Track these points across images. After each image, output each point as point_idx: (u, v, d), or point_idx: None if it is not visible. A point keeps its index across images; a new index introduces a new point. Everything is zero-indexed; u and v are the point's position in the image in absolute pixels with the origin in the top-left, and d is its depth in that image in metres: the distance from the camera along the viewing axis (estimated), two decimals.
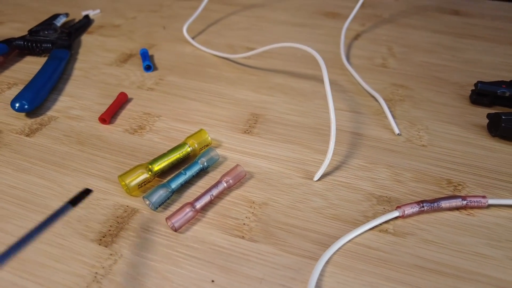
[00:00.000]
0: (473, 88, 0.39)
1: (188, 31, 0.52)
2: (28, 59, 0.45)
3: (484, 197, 0.26)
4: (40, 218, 0.25)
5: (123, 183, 0.26)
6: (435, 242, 0.24)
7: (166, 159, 0.28)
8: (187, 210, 0.24)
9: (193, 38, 0.50)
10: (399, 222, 0.25)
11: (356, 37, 0.51)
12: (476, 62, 0.45)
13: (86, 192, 0.21)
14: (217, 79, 0.41)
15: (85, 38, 0.50)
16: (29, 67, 0.43)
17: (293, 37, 0.51)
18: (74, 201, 0.20)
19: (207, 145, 0.30)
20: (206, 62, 0.44)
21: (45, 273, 0.22)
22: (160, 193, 0.25)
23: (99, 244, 0.23)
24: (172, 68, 0.43)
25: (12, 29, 0.52)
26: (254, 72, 0.42)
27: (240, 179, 0.27)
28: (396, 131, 0.33)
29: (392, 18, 0.57)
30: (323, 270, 0.22)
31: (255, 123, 0.34)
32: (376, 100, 0.37)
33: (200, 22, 0.55)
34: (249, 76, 0.41)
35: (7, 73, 0.42)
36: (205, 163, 0.28)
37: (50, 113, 0.35)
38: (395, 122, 0.34)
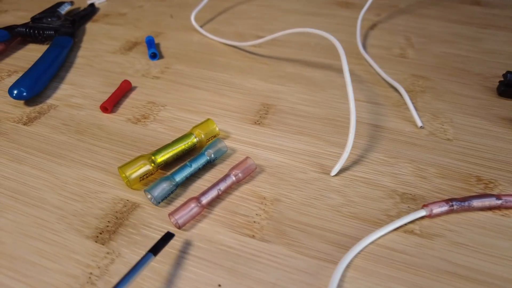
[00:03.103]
0: (501, 79, 0.36)
1: (196, 19, 0.50)
2: (31, 46, 0.43)
3: None
4: (33, 211, 0.23)
5: (124, 175, 0.24)
6: (466, 245, 0.22)
7: (170, 150, 0.26)
8: (192, 205, 0.22)
9: (201, 27, 0.48)
10: (425, 222, 0.23)
11: (372, 27, 0.48)
12: (499, 53, 0.42)
13: (168, 237, 0.20)
14: (226, 68, 0.39)
15: (90, 26, 0.48)
16: (30, 54, 0.42)
17: (305, 26, 0.48)
18: (155, 249, 0.19)
19: (214, 136, 0.28)
20: (215, 51, 0.42)
21: (34, 273, 0.20)
22: (163, 187, 0.23)
23: (96, 242, 0.21)
24: (179, 57, 0.41)
25: (16, 17, 0.51)
26: (264, 60, 0.40)
27: (250, 172, 0.25)
28: (419, 123, 0.30)
29: (408, 8, 0.55)
30: (343, 275, 0.20)
31: (266, 114, 0.32)
32: (396, 91, 0.35)
33: (208, 11, 0.53)
34: (260, 65, 0.39)
35: (8, 60, 0.40)
36: (212, 155, 0.26)
37: (49, 101, 0.34)
38: (418, 114, 0.32)
